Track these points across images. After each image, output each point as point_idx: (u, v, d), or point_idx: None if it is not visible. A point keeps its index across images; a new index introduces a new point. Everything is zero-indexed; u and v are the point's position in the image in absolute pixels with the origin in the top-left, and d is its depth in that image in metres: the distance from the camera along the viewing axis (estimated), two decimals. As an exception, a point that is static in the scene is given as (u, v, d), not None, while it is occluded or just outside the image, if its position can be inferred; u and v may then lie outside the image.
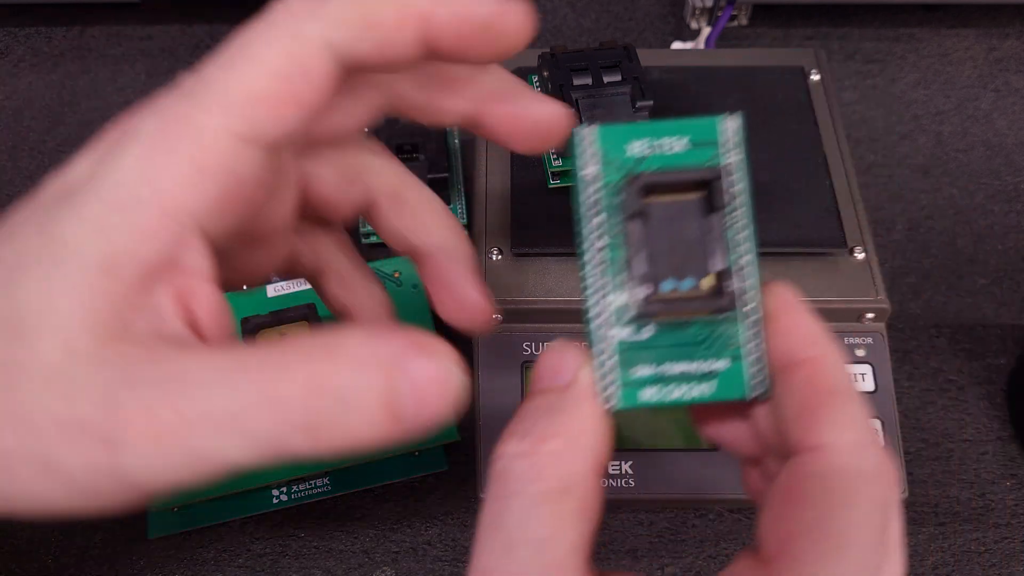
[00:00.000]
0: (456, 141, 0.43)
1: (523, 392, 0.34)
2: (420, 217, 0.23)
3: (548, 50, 0.35)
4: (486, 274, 0.34)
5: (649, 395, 0.19)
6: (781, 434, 0.18)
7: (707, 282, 0.18)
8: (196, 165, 0.16)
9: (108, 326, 0.16)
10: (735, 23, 0.49)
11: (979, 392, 0.40)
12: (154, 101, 0.18)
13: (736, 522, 0.37)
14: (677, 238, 0.18)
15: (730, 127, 0.19)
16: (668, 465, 0.33)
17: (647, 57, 0.37)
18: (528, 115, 0.21)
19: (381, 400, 0.16)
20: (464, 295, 0.22)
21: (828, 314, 0.34)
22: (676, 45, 0.48)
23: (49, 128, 0.47)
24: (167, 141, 0.16)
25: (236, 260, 0.21)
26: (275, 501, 0.35)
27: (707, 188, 0.19)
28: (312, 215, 0.22)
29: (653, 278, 0.18)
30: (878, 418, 0.33)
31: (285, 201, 0.21)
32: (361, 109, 0.21)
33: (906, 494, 0.32)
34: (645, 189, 0.18)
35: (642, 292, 0.18)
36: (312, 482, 0.36)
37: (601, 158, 0.19)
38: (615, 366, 0.19)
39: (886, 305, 0.34)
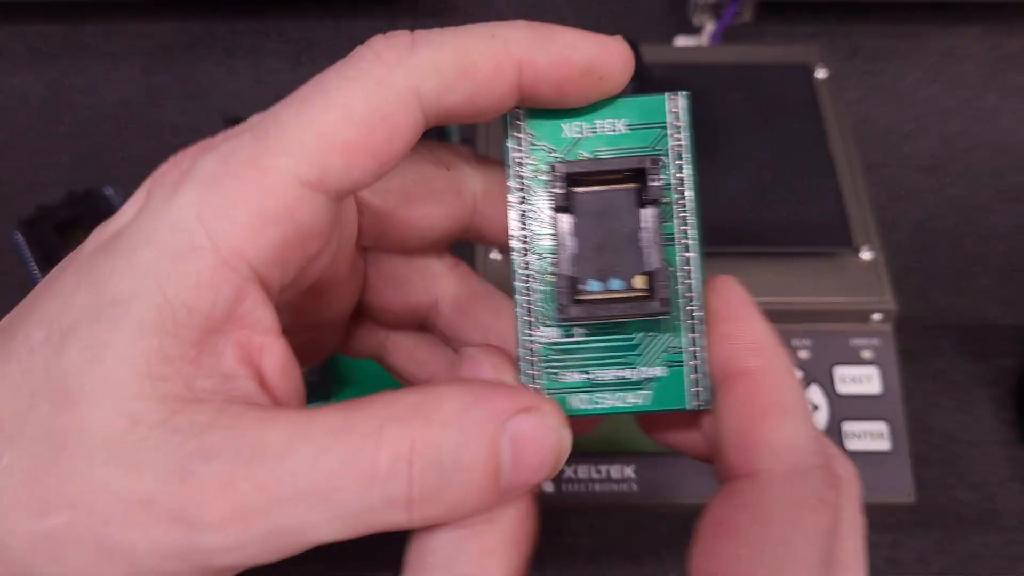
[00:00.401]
0: (455, 140, 0.43)
1: (524, 394, 0.34)
2: (483, 323, 0.20)
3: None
4: (486, 275, 0.34)
5: (579, 402, 0.17)
6: (720, 453, 0.17)
7: (639, 282, 0.17)
8: (259, 211, 0.15)
9: (172, 391, 0.14)
10: (739, 20, 0.49)
11: (986, 394, 0.39)
12: (218, 138, 0.16)
13: (740, 526, 0.37)
14: (609, 232, 0.17)
15: (677, 107, 0.17)
16: (671, 469, 0.33)
17: (650, 54, 0.37)
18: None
19: (485, 468, 0.15)
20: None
21: (834, 315, 0.34)
22: (680, 42, 0.47)
23: (44, 126, 0.47)
24: (229, 183, 0.15)
25: (296, 331, 0.19)
26: (272, 505, 0.35)
27: (640, 179, 0.17)
28: (367, 313, 0.21)
29: (578, 277, 0.17)
30: (885, 420, 0.33)
31: (344, 266, 0.19)
32: (442, 216, 0.19)
33: (913, 498, 0.32)
34: (568, 179, 0.17)
35: (565, 292, 0.16)
36: (309, 486, 0.35)
37: (532, 140, 0.17)
38: (541, 371, 0.17)
39: (893, 306, 0.33)
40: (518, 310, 0.17)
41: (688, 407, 0.17)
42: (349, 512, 0.14)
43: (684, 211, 0.17)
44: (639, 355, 0.17)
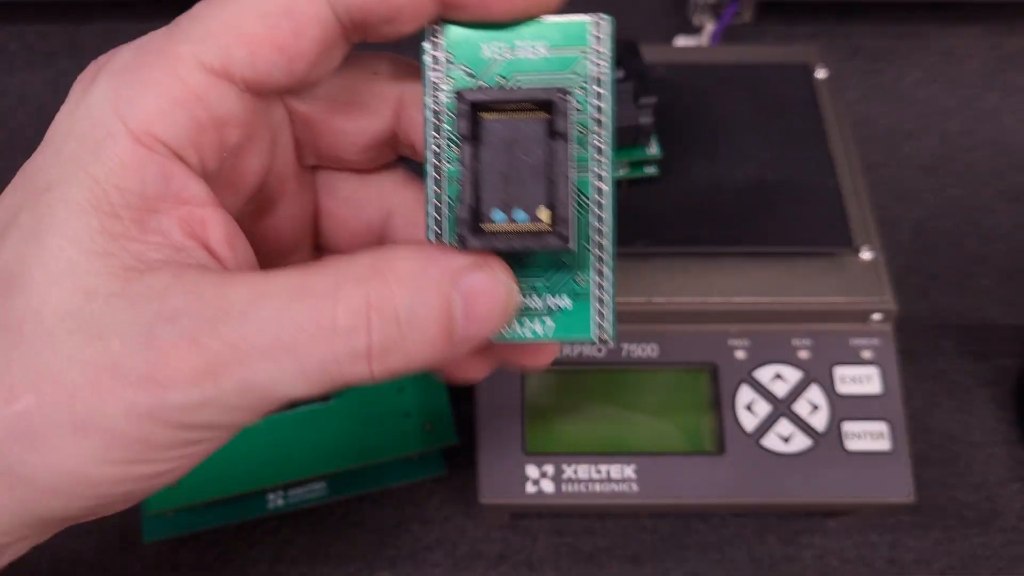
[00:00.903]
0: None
1: (523, 394, 0.33)
2: None
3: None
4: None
5: None
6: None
7: (543, 215, 0.16)
8: (167, 95, 0.15)
9: (123, 263, 0.15)
10: (739, 20, 0.49)
11: (986, 394, 0.39)
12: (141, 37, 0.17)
13: (740, 527, 0.37)
14: (516, 162, 0.16)
15: (599, 31, 0.17)
16: (671, 469, 0.32)
17: (650, 53, 0.37)
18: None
19: (439, 320, 0.15)
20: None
21: (834, 315, 0.33)
22: (680, 41, 0.47)
23: (43, 126, 0.46)
24: (139, 72, 0.16)
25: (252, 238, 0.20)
26: (271, 506, 0.35)
27: (549, 108, 0.16)
28: (329, 245, 0.21)
29: (481, 206, 0.16)
30: (885, 420, 0.33)
31: (285, 164, 0.19)
32: (371, 122, 0.19)
33: (913, 498, 0.32)
34: (476, 107, 0.16)
35: (466, 222, 0.16)
36: (309, 486, 0.35)
37: (449, 60, 0.17)
38: None
39: (893, 306, 0.33)
40: (428, 234, 0.17)
41: (593, 339, 0.17)
42: (313, 365, 0.15)
43: (600, 140, 0.17)
44: (546, 286, 0.17)
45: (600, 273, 0.17)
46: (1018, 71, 0.48)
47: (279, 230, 0.20)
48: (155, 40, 0.16)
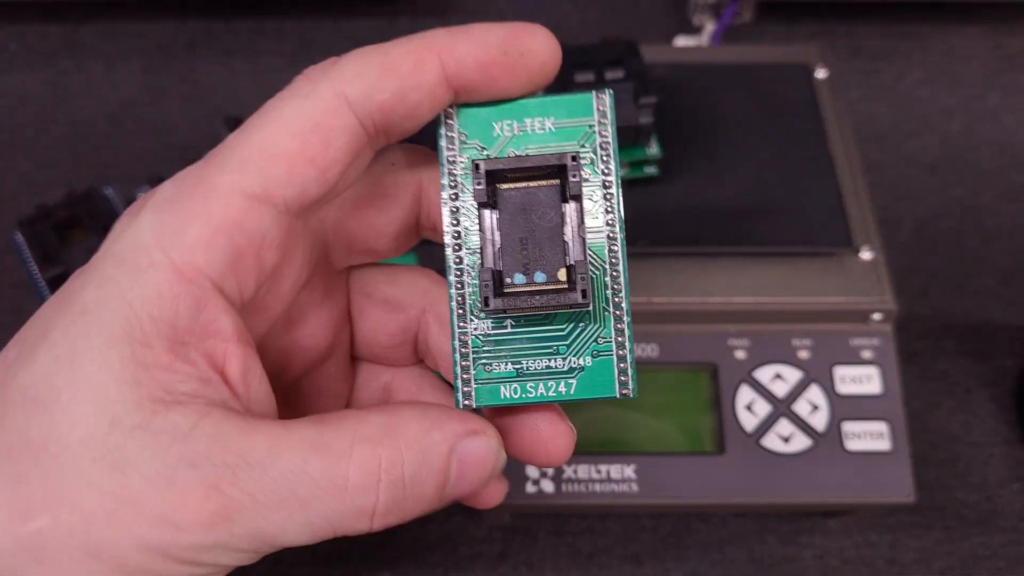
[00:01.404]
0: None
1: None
2: None
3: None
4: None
5: (509, 392, 0.18)
6: None
7: (562, 275, 0.17)
8: (208, 224, 0.16)
9: (150, 394, 0.15)
10: (739, 20, 0.49)
11: (987, 394, 0.39)
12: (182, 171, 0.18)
13: (740, 527, 0.37)
14: (533, 227, 0.17)
15: (603, 105, 0.18)
16: (671, 469, 0.32)
17: (650, 53, 0.37)
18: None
19: (436, 482, 0.17)
20: (542, 426, 0.19)
21: (834, 315, 0.33)
22: (680, 41, 0.47)
23: (43, 126, 0.47)
24: (181, 202, 0.16)
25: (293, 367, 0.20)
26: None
27: (561, 175, 0.17)
28: (364, 350, 0.22)
29: (503, 270, 0.17)
30: (885, 420, 0.33)
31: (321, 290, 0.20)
32: (396, 212, 0.20)
33: (913, 498, 0.32)
34: (491, 176, 0.17)
35: (489, 285, 0.17)
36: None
37: (463, 139, 0.18)
38: (472, 361, 0.18)
39: (893, 306, 0.33)
40: (451, 303, 0.18)
41: (616, 396, 0.18)
42: (322, 519, 0.16)
43: (610, 205, 0.17)
44: (567, 345, 0.18)
45: (619, 331, 0.18)
46: (1019, 71, 0.48)
47: (315, 338, 0.20)
48: (193, 172, 0.17)
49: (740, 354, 0.34)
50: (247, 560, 0.16)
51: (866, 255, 0.34)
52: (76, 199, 0.36)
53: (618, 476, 0.32)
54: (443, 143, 0.18)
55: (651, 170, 0.34)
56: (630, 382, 0.18)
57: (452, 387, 0.20)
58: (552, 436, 0.19)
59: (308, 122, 0.16)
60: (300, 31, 0.50)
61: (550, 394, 0.18)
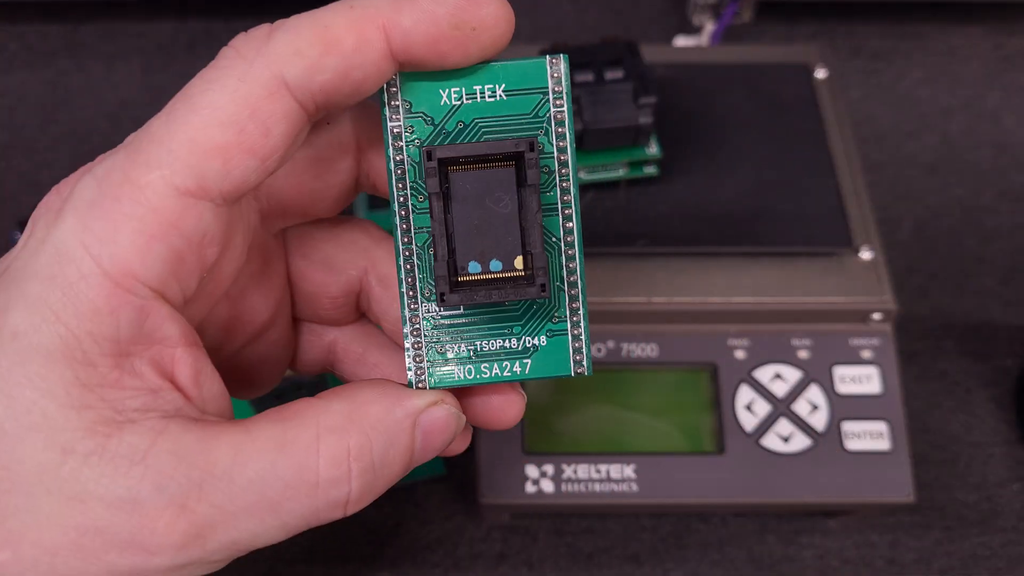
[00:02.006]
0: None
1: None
2: None
3: (549, 46, 0.34)
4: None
5: (463, 374, 0.17)
6: None
7: (519, 263, 0.16)
8: (142, 229, 0.15)
9: (100, 416, 0.14)
10: (739, 20, 0.49)
11: (987, 394, 0.39)
12: (96, 161, 0.16)
13: (740, 527, 0.37)
14: (488, 213, 0.16)
15: (558, 71, 0.16)
16: (671, 469, 0.32)
17: (650, 53, 0.37)
18: None
19: (404, 458, 0.16)
20: (493, 397, 0.19)
21: (834, 315, 0.33)
22: (679, 41, 0.47)
23: (42, 126, 0.47)
24: (107, 205, 0.15)
25: (226, 350, 0.19)
26: (271, 505, 0.35)
27: (517, 159, 0.16)
28: (306, 311, 0.21)
29: (457, 259, 0.16)
30: (885, 420, 0.33)
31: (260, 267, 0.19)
32: (335, 176, 0.19)
33: (913, 498, 0.32)
34: (443, 163, 0.16)
35: (443, 279, 0.16)
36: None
37: (409, 109, 0.16)
38: (425, 344, 0.17)
39: (893, 306, 0.33)
40: (401, 288, 0.17)
41: (571, 374, 0.18)
42: (296, 518, 0.15)
43: (567, 180, 0.17)
44: (521, 325, 0.17)
45: (574, 310, 0.17)
46: (1019, 71, 0.48)
47: (256, 312, 0.19)
48: (117, 167, 0.15)
49: (740, 354, 0.34)
50: (219, 567, 0.16)
51: (866, 255, 0.34)
52: (76, 199, 0.35)
53: (618, 476, 0.32)
54: (387, 112, 0.16)
55: (651, 170, 0.34)
56: (584, 360, 0.18)
57: (399, 345, 0.20)
58: (502, 405, 0.19)
59: (244, 109, 0.15)
60: (300, 31, 0.50)
61: (505, 374, 0.18)
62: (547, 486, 0.32)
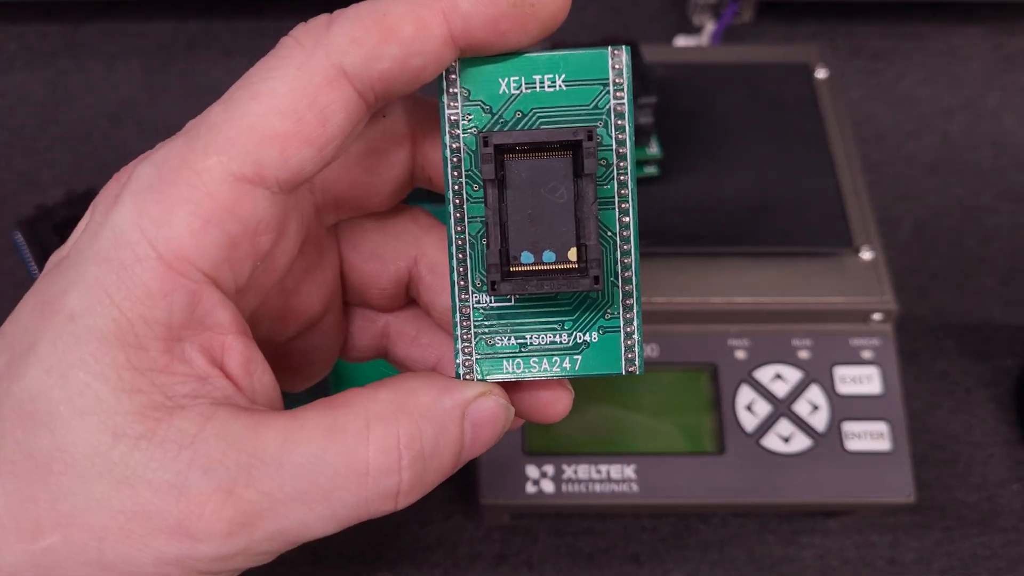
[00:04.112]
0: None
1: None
2: None
3: (549, 44, 0.34)
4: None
5: (512, 367, 0.17)
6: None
7: (572, 255, 0.16)
8: (197, 213, 0.15)
9: (150, 401, 0.14)
10: (739, 20, 0.49)
11: (987, 394, 0.39)
12: (155, 148, 0.16)
13: (740, 527, 0.37)
14: (543, 202, 0.16)
15: (619, 63, 0.16)
16: (671, 469, 0.32)
17: (650, 53, 0.37)
18: None
19: (454, 450, 0.16)
20: (542, 392, 0.19)
21: (834, 315, 0.33)
22: (680, 41, 0.47)
23: (42, 126, 0.47)
24: (164, 189, 0.15)
25: (279, 335, 0.19)
26: (271, 505, 0.35)
27: (574, 148, 0.16)
28: (356, 298, 0.21)
29: (509, 248, 0.16)
30: (885, 420, 0.33)
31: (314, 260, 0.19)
32: (390, 169, 0.19)
33: (913, 498, 0.32)
34: (500, 150, 0.16)
35: (496, 267, 0.16)
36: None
37: (467, 97, 0.16)
38: (474, 335, 0.17)
39: (893, 306, 0.33)
40: (452, 275, 0.17)
41: (622, 373, 0.17)
42: (347, 508, 0.15)
43: (624, 174, 0.16)
44: (573, 320, 0.17)
45: (628, 307, 0.17)
46: (1019, 71, 0.48)
47: (309, 303, 0.19)
48: (175, 153, 0.15)
49: (740, 354, 0.34)
50: (267, 560, 0.15)
51: (866, 255, 0.34)
52: (76, 199, 0.36)
53: (618, 476, 0.32)
54: (445, 99, 0.16)
55: (651, 170, 0.34)
56: (636, 359, 0.17)
57: (448, 332, 0.19)
58: (551, 400, 0.19)
59: (303, 99, 0.15)
60: (300, 31, 0.50)
61: (554, 370, 0.17)
62: (547, 486, 0.32)
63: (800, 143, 0.36)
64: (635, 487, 0.32)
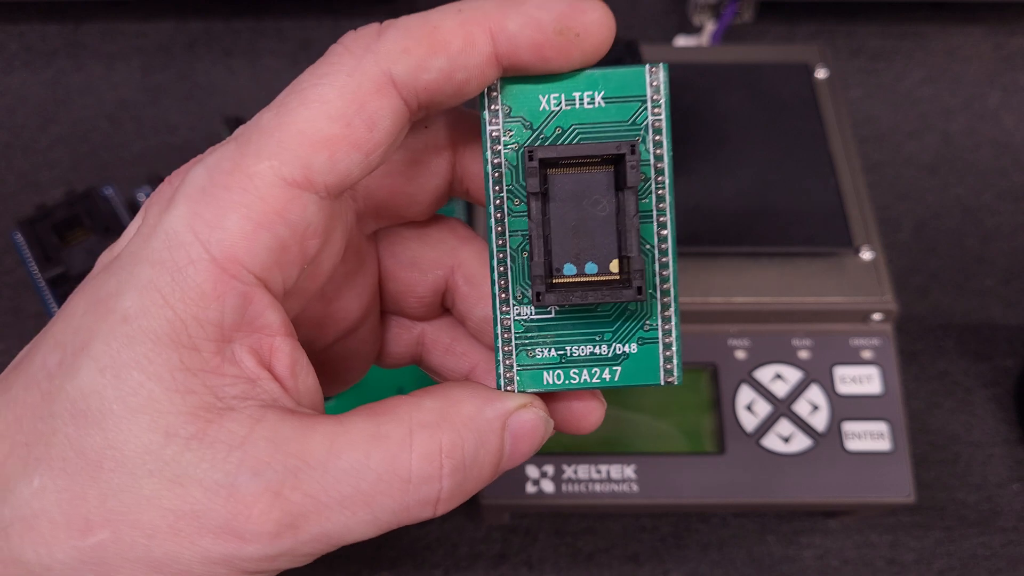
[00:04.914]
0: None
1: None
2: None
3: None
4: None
5: (552, 378, 0.17)
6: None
7: (614, 267, 0.17)
8: (249, 216, 0.15)
9: (201, 402, 0.15)
10: (739, 20, 0.49)
11: (987, 394, 0.39)
12: (208, 151, 0.16)
13: (740, 527, 0.37)
14: (585, 215, 0.17)
15: (657, 80, 0.17)
16: (671, 469, 0.32)
17: (650, 53, 0.37)
18: None
19: (494, 461, 0.16)
20: (575, 403, 0.19)
21: (834, 315, 0.33)
22: (680, 41, 0.47)
23: (43, 126, 0.47)
24: (217, 193, 0.15)
25: (320, 341, 0.20)
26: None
27: (616, 162, 0.16)
28: (393, 307, 0.21)
29: (553, 260, 0.17)
30: (885, 420, 0.33)
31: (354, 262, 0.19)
32: (430, 179, 0.19)
33: (913, 498, 0.32)
34: (544, 164, 0.16)
35: (539, 279, 0.16)
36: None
37: (508, 113, 0.17)
38: (515, 347, 0.17)
39: (893, 306, 0.33)
40: (494, 288, 0.17)
41: (660, 383, 0.18)
42: (388, 513, 0.15)
43: (662, 188, 0.17)
44: (612, 332, 0.17)
45: (666, 318, 0.17)
46: (1020, 71, 0.48)
47: (349, 310, 0.20)
48: (227, 157, 0.16)
49: (740, 354, 0.34)
50: (307, 562, 0.16)
51: (866, 255, 0.34)
52: (76, 199, 0.36)
53: (618, 476, 0.32)
54: (486, 116, 0.17)
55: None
56: (675, 369, 0.17)
57: (482, 342, 0.20)
58: (584, 411, 0.19)
59: (352, 103, 0.15)
60: (299, 31, 0.50)
61: (594, 380, 0.18)
62: (547, 486, 0.32)
63: (800, 143, 0.36)
64: (635, 487, 0.32)
